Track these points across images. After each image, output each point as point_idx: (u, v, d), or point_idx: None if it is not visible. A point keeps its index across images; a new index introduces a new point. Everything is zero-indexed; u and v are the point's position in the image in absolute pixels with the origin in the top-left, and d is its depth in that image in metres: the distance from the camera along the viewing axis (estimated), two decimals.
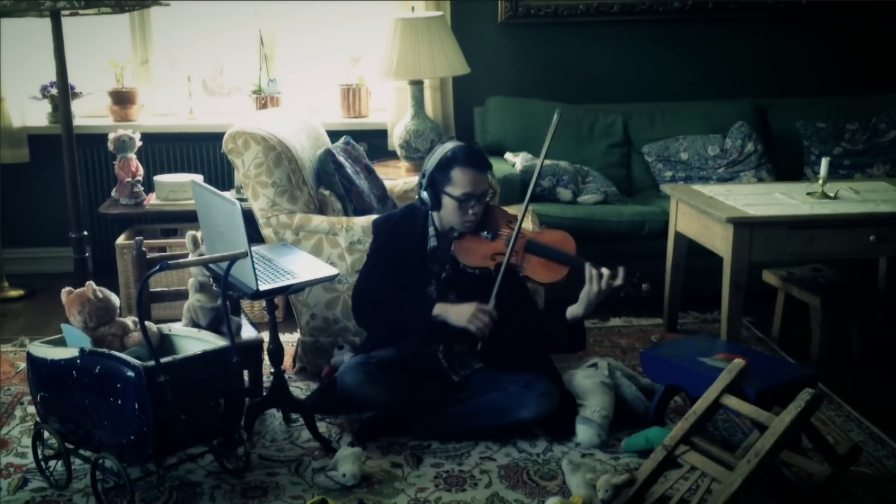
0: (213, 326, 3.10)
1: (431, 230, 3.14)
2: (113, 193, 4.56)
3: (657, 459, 2.66)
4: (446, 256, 3.14)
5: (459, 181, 3.02)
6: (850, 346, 3.84)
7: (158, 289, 3.64)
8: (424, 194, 3.08)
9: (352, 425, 3.18)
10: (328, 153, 3.70)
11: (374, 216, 3.54)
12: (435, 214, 3.13)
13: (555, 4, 4.92)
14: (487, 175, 3.09)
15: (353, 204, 3.67)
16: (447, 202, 3.05)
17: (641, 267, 4.21)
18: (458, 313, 3.00)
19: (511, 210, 3.67)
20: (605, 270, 2.93)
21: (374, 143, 4.80)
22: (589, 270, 2.94)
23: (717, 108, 4.88)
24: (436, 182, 3.05)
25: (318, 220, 3.48)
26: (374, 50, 4.65)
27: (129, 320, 2.91)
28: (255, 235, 3.14)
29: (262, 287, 2.75)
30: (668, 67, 5.08)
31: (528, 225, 3.12)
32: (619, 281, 2.92)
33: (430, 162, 3.08)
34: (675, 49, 5.07)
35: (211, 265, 2.91)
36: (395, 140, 4.62)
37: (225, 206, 2.73)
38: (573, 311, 3.01)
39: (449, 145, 3.09)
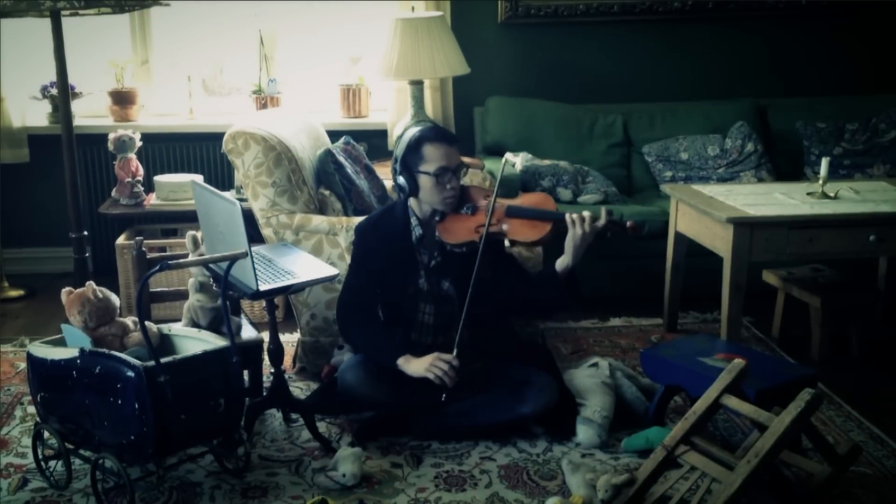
0: (213, 326, 3.10)
1: (414, 220, 3.15)
2: (113, 193, 4.56)
3: (657, 459, 2.66)
4: (432, 242, 3.15)
5: (432, 156, 3.04)
6: (850, 346, 3.84)
7: (158, 289, 3.64)
8: (401, 179, 3.09)
9: (352, 425, 3.18)
10: (328, 153, 3.70)
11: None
12: (414, 203, 3.15)
13: (555, 4, 4.92)
14: (458, 148, 3.12)
15: (353, 204, 3.67)
16: (424, 181, 3.07)
17: (641, 267, 4.26)
18: (417, 365, 3.00)
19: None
20: (586, 214, 2.98)
21: (374, 143, 4.80)
22: (569, 217, 2.98)
23: (717, 108, 4.88)
24: (409, 164, 3.08)
25: (318, 220, 3.48)
26: (374, 50, 4.65)
27: (129, 320, 2.91)
28: (255, 235, 3.14)
29: (262, 287, 2.75)
30: (668, 67, 5.08)
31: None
32: (601, 222, 2.97)
33: (400, 147, 3.12)
34: (675, 49, 5.07)
35: (211, 265, 2.91)
36: (395, 140, 4.62)
37: (225, 206, 2.73)
38: (562, 262, 3.03)
39: (414, 127, 3.13)
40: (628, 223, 2.99)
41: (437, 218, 3.13)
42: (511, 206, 3.12)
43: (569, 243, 3.00)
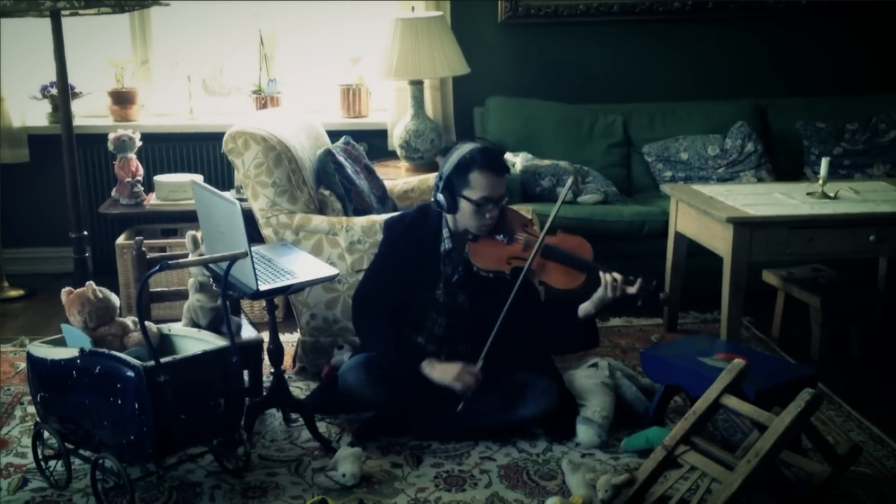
0: (213, 326, 3.10)
1: (445, 231, 3.10)
2: (113, 193, 4.56)
3: (657, 459, 2.66)
4: (459, 258, 3.11)
5: (477, 185, 2.96)
6: (850, 346, 3.84)
7: (158, 289, 3.64)
8: (441, 197, 3.02)
9: (352, 425, 3.18)
10: (328, 153, 3.70)
11: (374, 216, 3.54)
12: (449, 216, 3.10)
13: (555, 4, 4.92)
14: (506, 179, 3.04)
15: (353, 204, 3.67)
16: (464, 206, 3.00)
17: (641, 266, 4.24)
18: (444, 372, 2.97)
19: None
20: (618, 276, 2.90)
21: (374, 143, 4.80)
22: (604, 276, 2.91)
23: (717, 108, 4.88)
24: (453, 185, 3.00)
25: (318, 220, 3.48)
26: (374, 50, 4.65)
27: (129, 320, 2.91)
28: (255, 235, 3.14)
29: (262, 287, 2.75)
30: (668, 67, 5.08)
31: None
32: (633, 289, 2.90)
33: (448, 164, 3.02)
34: (675, 49, 5.07)
35: (211, 265, 2.91)
36: (395, 140, 4.62)
37: (225, 206, 2.73)
38: (585, 308, 2.98)
39: (467, 147, 3.02)
40: (661, 295, 2.92)
41: (469, 236, 3.08)
42: (550, 246, 3.02)
43: (597, 298, 2.94)
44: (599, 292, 2.93)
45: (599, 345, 3.16)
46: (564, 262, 3.00)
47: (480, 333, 3.02)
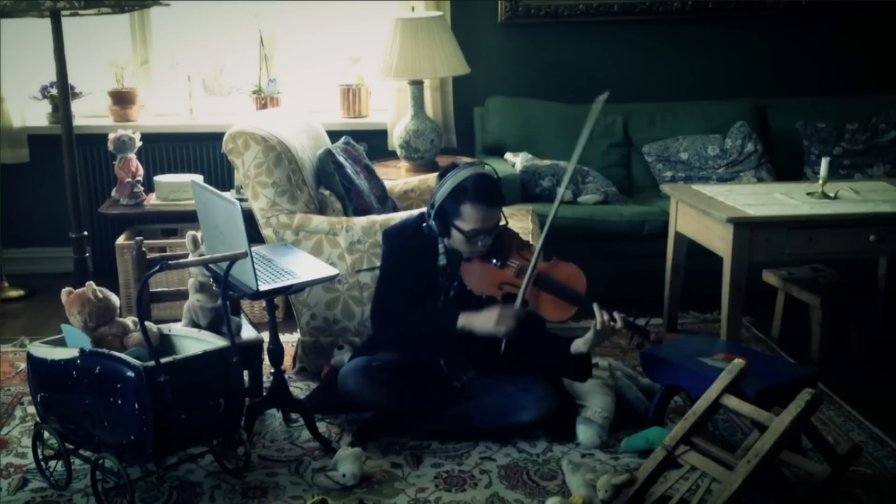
0: (213, 326, 3.09)
1: (441, 247, 3.10)
2: (113, 193, 4.56)
3: (657, 459, 2.66)
4: (455, 274, 3.10)
5: (469, 217, 2.94)
6: (850, 346, 3.84)
7: (158, 289, 3.64)
8: (433, 223, 3.03)
9: (352, 425, 3.18)
10: (328, 153, 3.70)
11: (374, 216, 3.54)
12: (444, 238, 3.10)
13: (555, 4, 4.92)
14: (499, 209, 3.01)
15: (353, 204, 3.66)
16: (456, 234, 3.00)
17: (641, 267, 4.25)
18: (484, 320, 2.96)
19: (510, 210, 3.68)
20: (616, 316, 2.86)
21: (374, 143, 4.80)
22: (599, 314, 2.86)
23: (717, 108, 4.88)
24: (445, 213, 2.98)
25: (318, 220, 3.48)
26: (374, 50, 4.64)
27: (129, 320, 2.91)
28: (255, 235, 3.13)
29: (262, 287, 2.75)
30: (668, 67, 5.08)
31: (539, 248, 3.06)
32: (619, 325, 2.85)
33: (442, 191, 2.99)
34: (675, 49, 5.07)
35: (211, 265, 2.91)
36: (395, 140, 4.62)
37: (225, 206, 2.73)
38: (577, 346, 2.96)
39: (462, 174, 2.97)
40: (652, 335, 2.90)
41: (463, 256, 3.07)
42: (543, 276, 2.98)
43: (590, 337, 2.91)
44: (590, 334, 2.90)
45: (591, 376, 3.12)
46: (556, 293, 2.96)
47: (490, 351, 3.01)
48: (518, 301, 2.95)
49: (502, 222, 3.05)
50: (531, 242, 3.14)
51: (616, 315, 2.85)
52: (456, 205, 2.95)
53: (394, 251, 3.15)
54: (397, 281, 3.11)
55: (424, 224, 3.09)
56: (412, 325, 3.07)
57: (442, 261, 3.10)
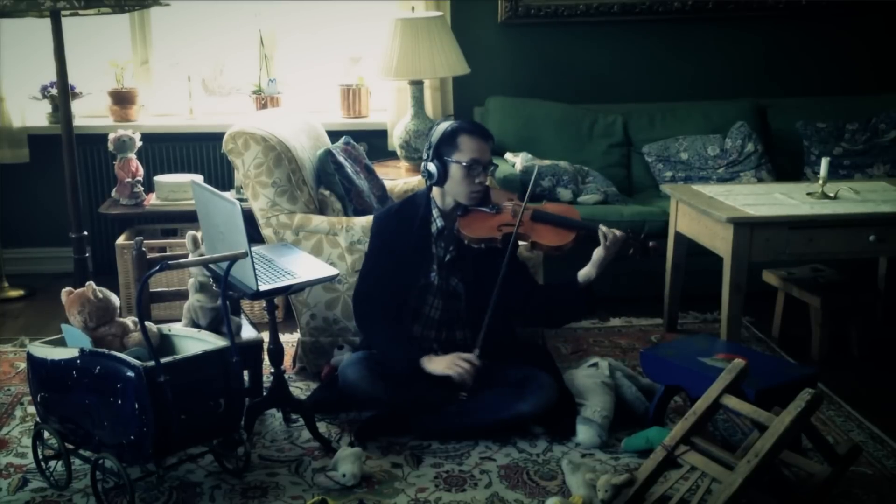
0: (213, 326, 3.10)
1: (435, 211, 3.17)
2: (113, 193, 4.56)
3: (657, 459, 2.66)
4: (451, 237, 3.17)
5: (466, 147, 3.08)
6: (850, 346, 3.84)
7: (158, 289, 3.64)
8: (431, 166, 3.12)
9: (352, 425, 3.18)
10: (328, 153, 3.70)
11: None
12: (437, 194, 3.17)
13: (555, 4, 4.92)
14: (490, 147, 3.15)
15: (353, 204, 3.67)
16: (454, 171, 3.10)
17: (641, 267, 4.25)
18: (440, 364, 3.05)
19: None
20: (615, 230, 3.04)
21: (374, 143, 4.80)
22: (600, 228, 3.04)
23: (717, 108, 4.88)
24: (441, 152, 3.11)
25: (318, 220, 3.48)
26: (374, 50, 4.65)
27: (129, 320, 2.91)
28: (255, 235, 3.14)
29: (262, 287, 2.75)
30: (668, 67, 5.08)
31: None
32: (619, 234, 3.04)
33: (435, 134, 3.15)
34: (675, 49, 5.07)
35: (211, 265, 2.91)
36: (395, 140, 4.62)
37: (225, 206, 2.73)
38: (584, 273, 3.10)
39: (450, 120, 3.16)
40: (651, 244, 3.06)
41: (458, 212, 3.16)
42: (538, 210, 3.16)
43: (596, 258, 3.07)
44: (598, 251, 3.05)
45: (598, 308, 3.31)
46: (553, 222, 3.13)
47: (476, 318, 3.08)
48: (477, 348, 3.02)
49: (492, 168, 3.19)
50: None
51: (616, 230, 3.04)
52: (452, 140, 3.11)
53: (380, 231, 3.23)
54: (382, 262, 3.17)
55: (422, 172, 3.18)
56: (383, 336, 3.14)
57: (438, 223, 3.17)
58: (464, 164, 3.08)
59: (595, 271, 3.09)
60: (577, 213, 3.22)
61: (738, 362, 2.75)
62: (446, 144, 3.11)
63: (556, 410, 3.08)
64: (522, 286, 3.20)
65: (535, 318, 3.37)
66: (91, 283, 2.90)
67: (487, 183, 3.18)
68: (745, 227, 3.45)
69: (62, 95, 4.20)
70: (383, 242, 3.19)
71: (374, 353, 3.16)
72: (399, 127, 4.59)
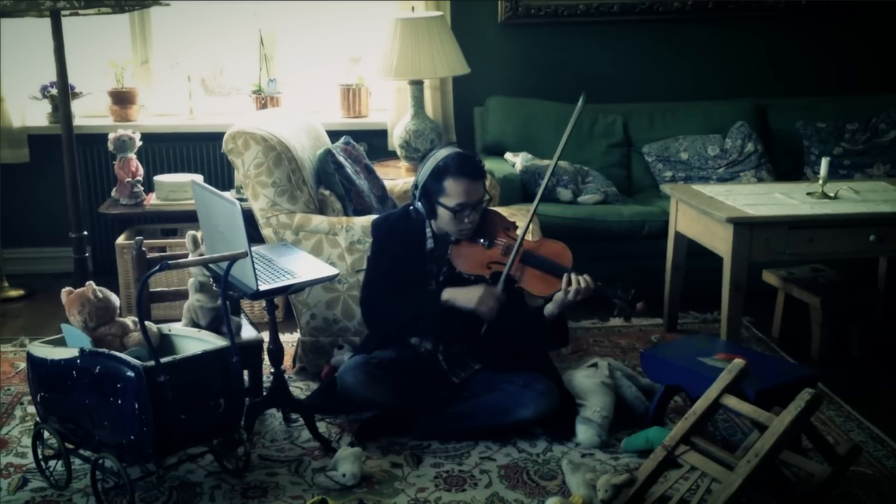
0: (213, 326, 3.10)
1: (429, 232, 3.13)
2: (113, 193, 4.56)
3: (657, 459, 2.66)
4: (443, 259, 3.13)
5: (453, 192, 2.99)
6: (850, 346, 3.84)
7: (158, 289, 3.64)
8: (419, 205, 3.08)
9: (352, 425, 3.18)
10: (328, 153, 3.70)
11: (375, 216, 3.54)
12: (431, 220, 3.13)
13: (555, 4, 4.92)
14: (482, 183, 3.06)
15: (353, 204, 3.67)
16: (442, 212, 3.04)
17: (641, 266, 4.25)
18: (468, 296, 3.01)
19: (510, 210, 3.68)
20: (587, 279, 2.93)
21: (374, 143, 4.80)
22: (566, 277, 2.94)
23: (717, 108, 4.88)
24: (429, 192, 3.04)
25: (318, 220, 3.48)
26: (374, 50, 4.65)
27: (129, 320, 2.91)
28: (255, 235, 3.14)
29: (262, 287, 2.75)
30: (668, 67, 5.09)
31: (528, 235, 3.11)
32: (583, 284, 2.92)
33: (423, 172, 3.06)
34: (675, 49, 5.07)
35: (211, 265, 2.91)
36: (395, 140, 4.62)
37: (225, 206, 2.73)
38: (549, 310, 3.04)
39: (441, 153, 3.05)
40: (638, 305, 2.94)
41: (451, 239, 3.11)
42: (530, 253, 3.05)
43: (556, 297, 2.98)
44: (559, 294, 2.96)
45: (568, 344, 3.22)
46: (543, 268, 3.02)
47: (473, 333, 3.05)
48: (501, 282, 2.99)
49: (486, 201, 3.09)
50: (517, 223, 3.18)
51: (586, 277, 2.93)
52: (438, 182, 3.01)
53: (380, 239, 3.20)
54: (383, 268, 3.15)
55: (411, 207, 3.13)
56: (398, 307, 3.10)
57: (430, 244, 3.12)
58: (450, 207, 3.00)
59: (556, 310, 3.01)
60: (570, 255, 3.05)
61: (738, 362, 2.75)
62: (433, 184, 3.01)
63: (557, 413, 3.07)
64: (514, 309, 3.10)
65: (519, 341, 3.18)
66: (91, 283, 2.90)
67: (488, 186, 3.14)
68: (745, 227, 3.45)
69: (62, 95, 4.20)
70: (382, 249, 3.18)
71: (372, 357, 3.14)
72: (399, 127, 4.59)
